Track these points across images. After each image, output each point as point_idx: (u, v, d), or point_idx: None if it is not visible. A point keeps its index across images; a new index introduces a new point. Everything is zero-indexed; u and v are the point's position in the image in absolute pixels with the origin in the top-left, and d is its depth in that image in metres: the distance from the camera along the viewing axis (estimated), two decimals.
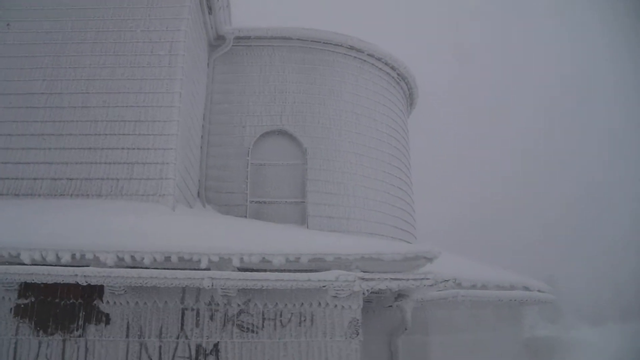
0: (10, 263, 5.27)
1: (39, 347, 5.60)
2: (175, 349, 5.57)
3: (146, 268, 5.15)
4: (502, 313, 9.91)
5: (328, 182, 9.67)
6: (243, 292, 5.64)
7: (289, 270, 5.22)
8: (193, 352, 5.56)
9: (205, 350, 5.56)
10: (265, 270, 5.24)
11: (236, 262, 5.18)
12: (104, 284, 5.27)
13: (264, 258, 5.19)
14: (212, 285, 5.05)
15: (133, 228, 5.90)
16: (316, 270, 5.28)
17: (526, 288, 9.83)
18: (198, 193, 9.29)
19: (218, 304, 5.66)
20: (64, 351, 5.58)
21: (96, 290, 5.71)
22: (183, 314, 5.66)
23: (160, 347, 5.57)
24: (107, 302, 5.69)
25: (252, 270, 5.25)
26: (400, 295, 6.63)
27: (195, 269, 5.17)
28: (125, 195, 7.57)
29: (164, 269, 5.17)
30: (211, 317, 5.65)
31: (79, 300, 5.71)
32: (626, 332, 16.23)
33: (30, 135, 7.79)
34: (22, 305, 5.72)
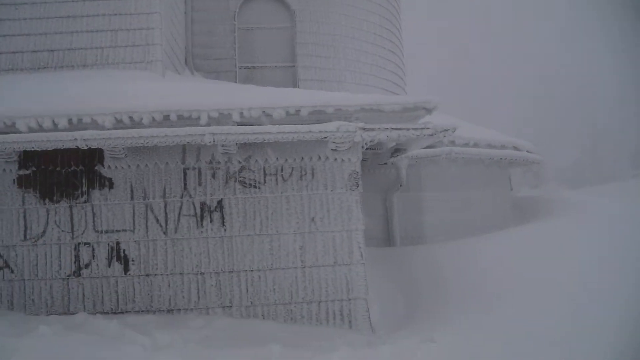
0: (6, 133, 5.20)
1: (47, 215, 5.69)
2: (180, 207, 5.69)
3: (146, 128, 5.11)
4: (491, 172, 10.18)
5: (318, 45, 9.43)
6: (243, 149, 5.67)
7: (290, 124, 5.20)
8: (198, 210, 5.69)
9: (210, 207, 5.69)
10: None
11: (236, 117, 5.15)
12: (104, 147, 5.23)
13: (264, 112, 5.16)
14: (214, 141, 5.04)
15: (127, 92, 5.78)
16: (317, 123, 5.27)
17: (516, 148, 10.02)
18: (185, 61, 9.04)
19: (219, 162, 5.71)
20: (72, 217, 5.69)
21: (96, 156, 5.71)
22: (185, 174, 5.72)
23: (165, 206, 5.69)
24: (109, 166, 5.71)
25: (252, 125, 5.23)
26: (396, 151, 6.72)
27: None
28: (112, 63, 7.36)
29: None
30: (213, 175, 5.72)
31: (80, 167, 5.72)
32: (605, 191, 16.87)
33: (1, 5, 7.38)
34: (24, 176, 5.73)
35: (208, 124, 5.13)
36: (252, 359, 4.60)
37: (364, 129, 5.19)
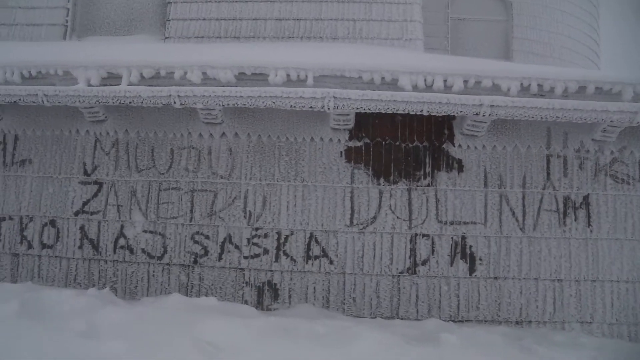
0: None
1: (380, 197, 4.78)
2: (541, 200, 4.79)
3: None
4: None
5: (534, 41, 8.63)
6: (618, 138, 4.80)
7: None
8: (560, 205, 4.79)
9: (575, 203, 4.79)
10: None
11: None
12: (508, 116, 4.29)
13: None
14: None
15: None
16: None
17: None
18: None
19: (588, 151, 4.83)
20: (410, 202, 4.77)
21: (445, 132, 4.82)
22: (548, 162, 4.83)
23: (523, 198, 4.79)
24: (459, 145, 4.81)
25: None
26: None
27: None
28: (365, 38, 6.54)
29: None
30: (580, 166, 4.83)
31: (424, 143, 4.82)
32: None
33: None
34: (355, 148, 4.82)
35: (633, 100, 4.28)
36: None
37: None
